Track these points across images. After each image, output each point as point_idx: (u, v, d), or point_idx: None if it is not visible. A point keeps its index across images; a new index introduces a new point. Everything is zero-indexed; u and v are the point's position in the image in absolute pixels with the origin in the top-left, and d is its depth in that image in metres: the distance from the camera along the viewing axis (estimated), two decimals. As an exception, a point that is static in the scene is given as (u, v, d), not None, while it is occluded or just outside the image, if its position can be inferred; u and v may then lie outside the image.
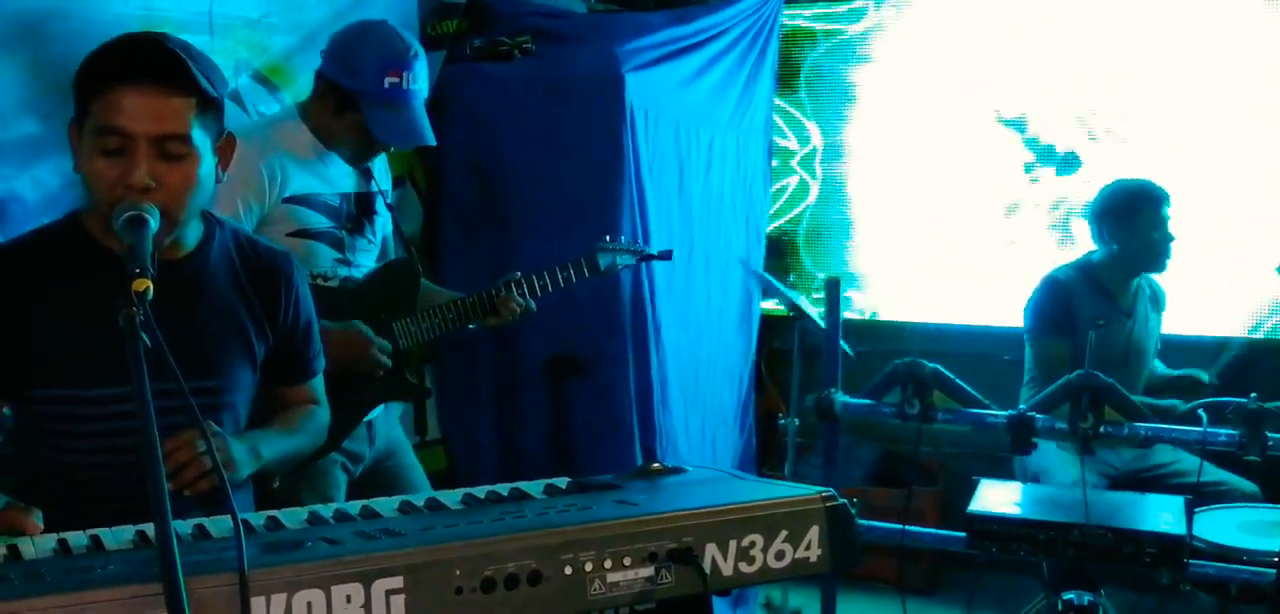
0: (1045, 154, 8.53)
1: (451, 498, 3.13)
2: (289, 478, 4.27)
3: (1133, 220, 6.63)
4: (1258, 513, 5.73)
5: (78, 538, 2.74)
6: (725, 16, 7.46)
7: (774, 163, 8.70)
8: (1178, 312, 7.26)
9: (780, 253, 9.01)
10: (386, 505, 3.06)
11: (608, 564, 2.63)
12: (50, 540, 2.74)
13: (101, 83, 3.14)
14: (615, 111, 6.33)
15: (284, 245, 3.95)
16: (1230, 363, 6.90)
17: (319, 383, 3.90)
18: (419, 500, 3.11)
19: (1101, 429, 5.26)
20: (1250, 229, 7.93)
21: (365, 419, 5.07)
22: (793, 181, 9.12)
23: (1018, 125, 8.57)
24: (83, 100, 3.20)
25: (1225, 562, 5.06)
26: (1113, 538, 4.95)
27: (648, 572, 2.67)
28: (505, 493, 3.18)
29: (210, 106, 3.27)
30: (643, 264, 6.13)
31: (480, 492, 3.17)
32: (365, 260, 5.08)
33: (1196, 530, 5.14)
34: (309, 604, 2.35)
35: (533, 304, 5.33)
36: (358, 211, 5.02)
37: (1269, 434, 5.06)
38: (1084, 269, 6.81)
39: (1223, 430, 5.19)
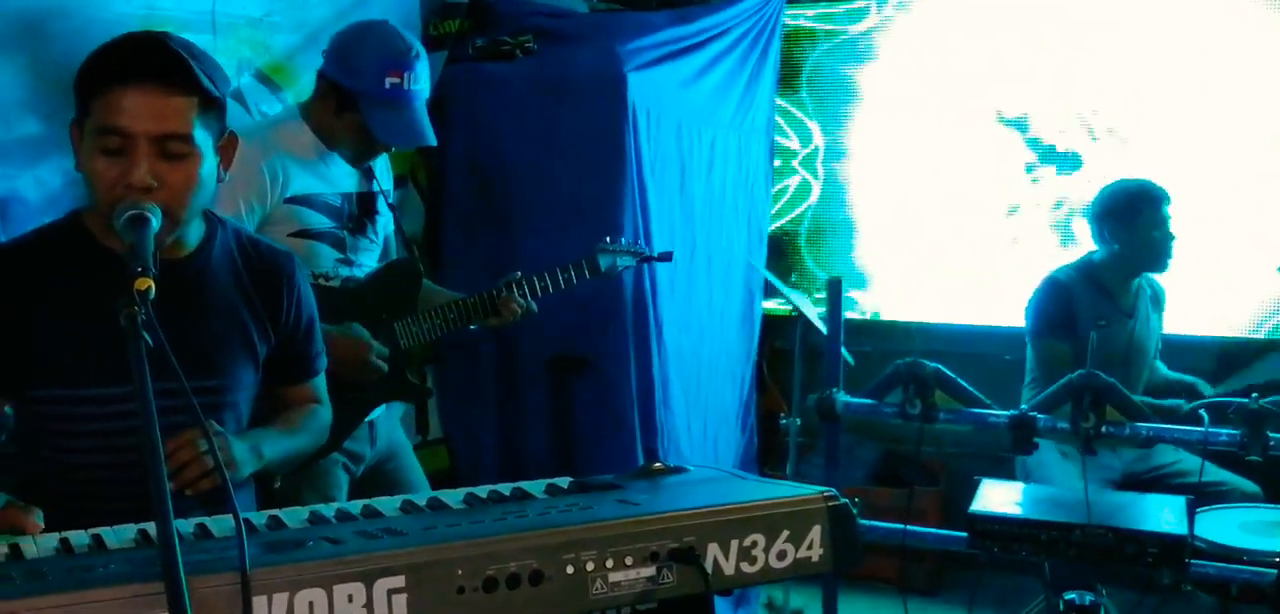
0: (1046, 154, 8.52)
1: (453, 497, 3.13)
2: (291, 477, 4.27)
3: (1133, 220, 6.63)
4: (1259, 513, 5.72)
5: (79, 537, 2.74)
6: (727, 16, 7.46)
7: (776, 162, 8.71)
8: (1178, 312, 7.25)
9: (782, 253, 9.01)
10: (388, 505, 3.06)
11: (609, 564, 2.63)
12: (52, 539, 2.74)
13: (103, 82, 3.14)
14: (617, 111, 6.34)
15: (286, 245, 3.95)
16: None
17: (321, 382, 3.90)
18: (421, 500, 3.11)
19: (1103, 429, 5.25)
20: (1251, 229, 7.93)
21: (367, 419, 5.07)
22: (794, 181, 9.12)
23: (1019, 125, 8.57)
24: (84, 100, 3.19)
25: (1227, 562, 5.06)
26: (1114, 538, 4.94)
27: (649, 571, 2.67)
28: (507, 493, 3.18)
29: (212, 106, 3.27)
30: (644, 264, 6.13)
31: (482, 491, 3.17)
32: (367, 260, 5.08)
33: (1198, 530, 5.14)
34: (311, 604, 2.35)
35: (533, 305, 5.34)
36: (359, 211, 5.02)
37: (1270, 434, 5.05)
38: (1085, 269, 6.80)
39: (1224, 430, 5.19)
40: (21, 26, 4.57)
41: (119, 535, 2.74)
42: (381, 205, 5.17)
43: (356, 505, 3.06)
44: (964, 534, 5.25)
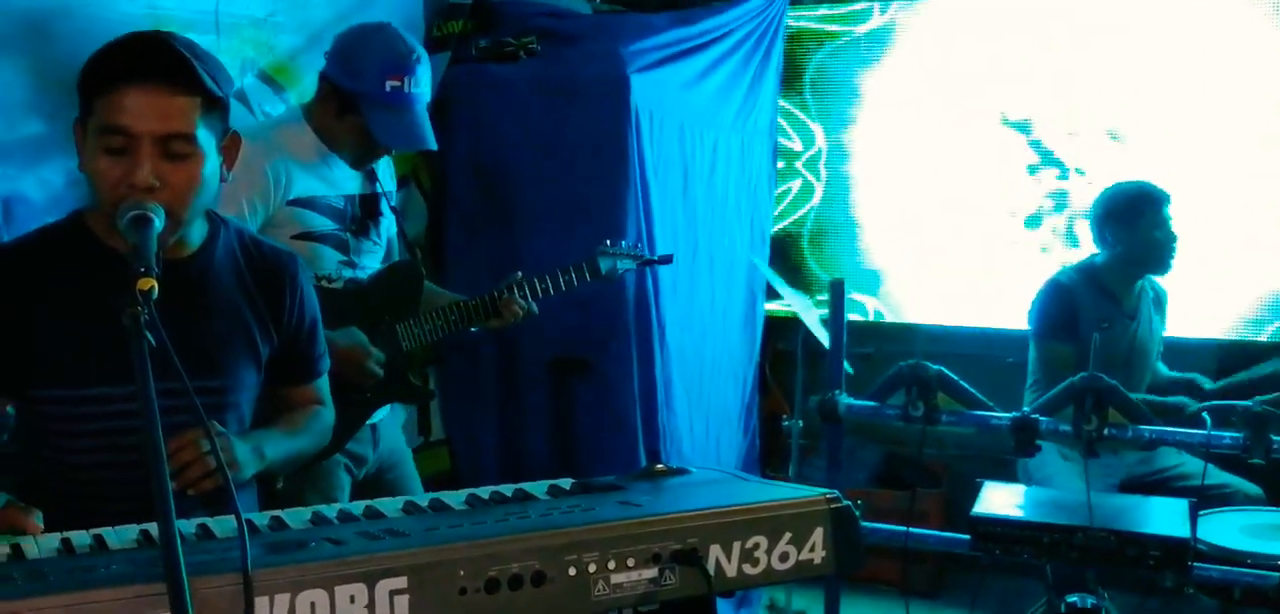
0: (1049, 156, 8.52)
1: (455, 498, 3.13)
2: (293, 479, 4.28)
3: (1135, 222, 6.63)
4: (1262, 516, 5.72)
5: (81, 537, 2.74)
6: (730, 18, 7.46)
7: (779, 164, 8.71)
8: (1180, 314, 7.25)
9: (784, 254, 9.01)
10: (391, 506, 3.07)
11: (612, 565, 2.63)
12: (53, 540, 2.74)
13: (106, 82, 3.14)
14: (620, 113, 6.33)
15: (289, 247, 3.95)
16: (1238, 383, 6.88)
17: (324, 383, 3.91)
18: (423, 501, 3.11)
19: (1105, 432, 5.25)
20: (1252, 231, 7.93)
21: (370, 422, 5.07)
22: (797, 183, 9.12)
23: (1022, 127, 8.57)
24: (87, 99, 3.20)
25: (1229, 565, 5.06)
26: (1116, 541, 4.94)
27: (651, 573, 2.67)
28: (509, 494, 3.19)
29: (215, 106, 3.27)
30: (645, 267, 6.13)
31: (484, 492, 3.17)
32: (370, 262, 5.08)
33: (1200, 533, 5.14)
34: (313, 604, 2.35)
35: (535, 306, 5.34)
36: (362, 213, 5.02)
37: (1273, 437, 5.05)
38: (1087, 272, 6.81)
39: (1227, 433, 5.18)
40: (25, 26, 4.57)
41: (121, 536, 2.74)
42: (384, 207, 5.17)
43: (359, 506, 3.06)
44: (966, 536, 5.25)
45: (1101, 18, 8.25)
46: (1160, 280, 6.94)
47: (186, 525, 2.75)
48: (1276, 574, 4.91)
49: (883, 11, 8.82)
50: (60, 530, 2.78)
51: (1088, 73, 8.30)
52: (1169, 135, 8.13)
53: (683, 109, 6.99)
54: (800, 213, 9.14)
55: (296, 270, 3.71)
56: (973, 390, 5.59)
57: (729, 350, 7.90)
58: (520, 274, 5.32)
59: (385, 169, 5.22)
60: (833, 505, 2.92)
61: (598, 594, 2.62)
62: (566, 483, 3.30)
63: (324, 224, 4.83)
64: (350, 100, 4.81)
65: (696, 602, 2.76)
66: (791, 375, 7.86)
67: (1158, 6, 8.18)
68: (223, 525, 2.79)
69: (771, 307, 8.41)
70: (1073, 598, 5.35)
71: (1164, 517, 5.13)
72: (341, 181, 4.92)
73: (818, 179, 9.08)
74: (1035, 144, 8.55)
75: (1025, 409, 5.54)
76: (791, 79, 8.90)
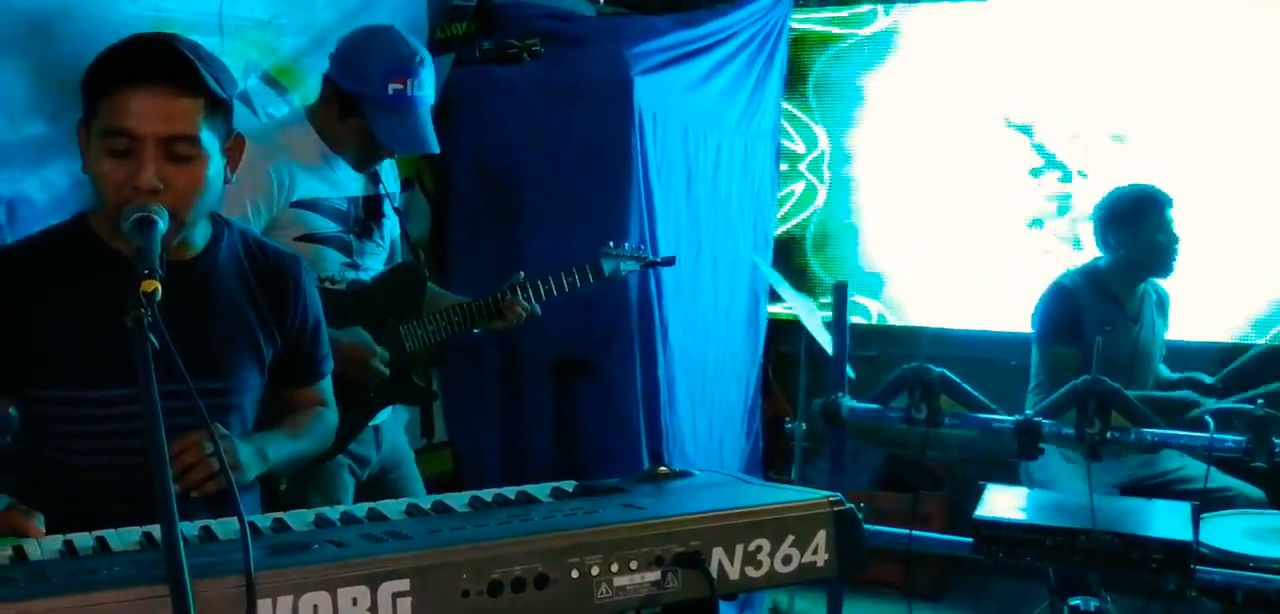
0: (1052, 159, 8.53)
1: (458, 501, 3.12)
2: (296, 480, 4.28)
3: (1138, 225, 6.64)
4: (1265, 519, 5.72)
5: (84, 539, 2.74)
6: (734, 20, 7.46)
7: (782, 166, 8.71)
8: (1182, 316, 7.25)
9: (788, 257, 9.01)
10: (393, 508, 3.07)
11: (614, 568, 2.63)
12: (56, 542, 2.74)
13: (110, 84, 3.15)
14: (624, 115, 6.34)
15: (292, 248, 3.95)
16: (1237, 368, 6.88)
17: (327, 385, 3.91)
18: (426, 503, 3.11)
19: (1108, 435, 5.25)
20: (1255, 234, 7.94)
21: (372, 423, 5.07)
22: (800, 186, 9.12)
23: (1025, 130, 8.57)
24: (91, 101, 3.20)
25: (1232, 568, 5.06)
26: (1119, 543, 4.94)
27: (654, 575, 2.67)
28: (512, 496, 3.18)
29: (219, 108, 3.27)
30: (649, 268, 6.13)
31: (487, 495, 3.17)
32: (373, 264, 5.09)
33: (1203, 537, 5.13)
34: (315, 607, 2.35)
35: (538, 308, 5.34)
36: (365, 215, 5.03)
37: (1275, 440, 5.05)
38: (1090, 275, 6.81)
39: (1229, 436, 5.19)
40: (28, 28, 4.57)
41: (123, 538, 2.74)
42: (387, 209, 5.17)
43: (361, 508, 3.06)
44: (969, 539, 5.25)
45: (1104, 20, 8.26)
46: (1163, 283, 6.94)
47: (189, 527, 2.75)
48: (1279, 577, 4.91)
49: (886, 14, 8.83)
50: (62, 532, 2.79)
51: (1090, 75, 8.31)
52: (1172, 138, 8.14)
53: (686, 111, 6.99)
54: (803, 215, 9.15)
55: (300, 272, 3.71)
56: (975, 393, 5.59)
57: (732, 352, 7.90)
58: (523, 275, 5.32)
59: (388, 171, 5.22)
60: (835, 508, 2.92)
61: (600, 597, 2.62)
62: (569, 485, 3.30)
63: (327, 226, 4.83)
64: (353, 102, 4.81)
65: (699, 604, 2.76)
66: (794, 378, 7.86)
67: (1160, 9, 8.18)
68: (225, 527, 2.79)
69: (774, 309, 8.41)
70: (1075, 601, 5.35)
71: (1166, 520, 5.13)
72: (345, 183, 4.92)
73: (821, 182, 9.09)
74: (1038, 147, 8.55)
75: (1028, 412, 5.54)
76: (795, 81, 8.90)
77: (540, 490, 3.24)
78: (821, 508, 2.92)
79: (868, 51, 8.91)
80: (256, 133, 4.42)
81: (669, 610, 2.76)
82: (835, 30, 8.97)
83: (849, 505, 2.94)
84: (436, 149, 5.06)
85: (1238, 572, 5.04)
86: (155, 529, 2.67)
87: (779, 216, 8.87)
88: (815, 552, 2.89)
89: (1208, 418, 5.37)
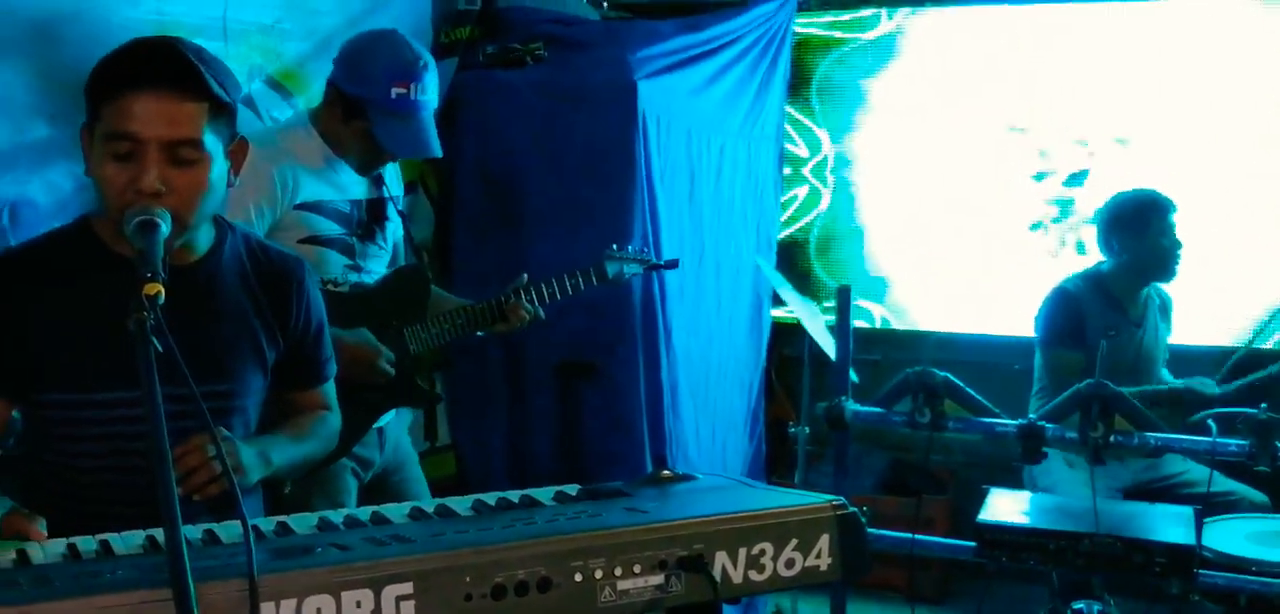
0: (1055, 163, 8.53)
1: (461, 504, 3.12)
2: (300, 483, 4.29)
3: (1141, 230, 6.64)
4: (1267, 523, 5.72)
5: (87, 543, 2.74)
6: (737, 24, 7.47)
7: (785, 170, 8.71)
8: (1186, 320, 7.25)
9: (791, 261, 9.00)
10: (397, 511, 3.06)
11: (618, 571, 2.63)
12: (59, 545, 2.74)
13: (114, 87, 3.15)
14: (627, 119, 6.33)
15: (296, 251, 3.95)
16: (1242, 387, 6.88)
17: (330, 388, 3.90)
18: (429, 507, 3.10)
19: (1112, 439, 5.25)
20: (1260, 237, 7.94)
21: (376, 425, 5.07)
22: (803, 190, 9.12)
23: (1028, 134, 8.57)
24: (95, 104, 3.20)
25: (1235, 572, 5.06)
26: (1122, 547, 4.94)
27: (658, 579, 2.67)
28: (515, 500, 3.18)
29: (223, 111, 3.27)
30: (652, 271, 6.13)
31: (490, 498, 3.17)
32: (376, 267, 5.09)
33: (1206, 541, 5.14)
34: (318, 610, 2.35)
35: (541, 311, 5.35)
36: (369, 218, 5.03)
37: (1279, 444, 5.05)
38: (1093, 279, 6.81)
39: (1233, 441, 5.19)
40: (32, 31, 4.57)
41: (126, 541, 2.74)
42: (391, 212, 5.18)
43: (365, 512, 3.06)
44: (972, 543, 5.26)
45: (1107, 24, 8.26)
46: (1166, 287, 6.94)
47: (192, 531, 2.75)
48: (1282, 581, 4.92)
49: (889, 18, 8.83)
50: (64, 535, 2.78)
51: (1094, 79, 8.31)
52: (1175, 142, 8.15)
53: (690, 115, 7.00)
54: (807, 219, 9.15)
55: (303, 275, 3.71)
56: (979, 397, 5.59)
57: (735, 356, 7.90)
58: (527, 278, 5.32)
59: (392, 174, 5.22)
60: (839, 512, 2.92)
61: (604, 600, 2.61)
62: (572, 489, 3.29)
63: (330, 228, 4.83)
64: (357, 106, 4.81)
65: (703, 608, 2.76)
66: (798, 381, 7.85)
67: (1164, 13, 8.19)
68: (228, 531, 2.79)
69: (778, 313, 8.41)
70: (1079, 605, 5.35)
71: (1170, 524, 5.13)
72: (348, 186, 4.93)
73: (824, 185, 9.09)
74: (1042, 151, 8.55)
75: (1031, 416, 5.54)
76: (798, 85, 8.90)
77: (544, 494, 3.24)
78: (825, 512, 2.91)
79: (871, 56, 8.92)
80: (260, 136, 4.42)
81: (672, 613, 2.76)
82: (838, 34, 8.98)
83: (852, 509, 2.94)
84: (439, 153, 5.07)
85: (1241, 576, 5.05)
86: (158, 532, 2.67)
87: (782, 220, 8.87)
88: (818, 555, 2.88)
89: (1210, 422, 5.37)
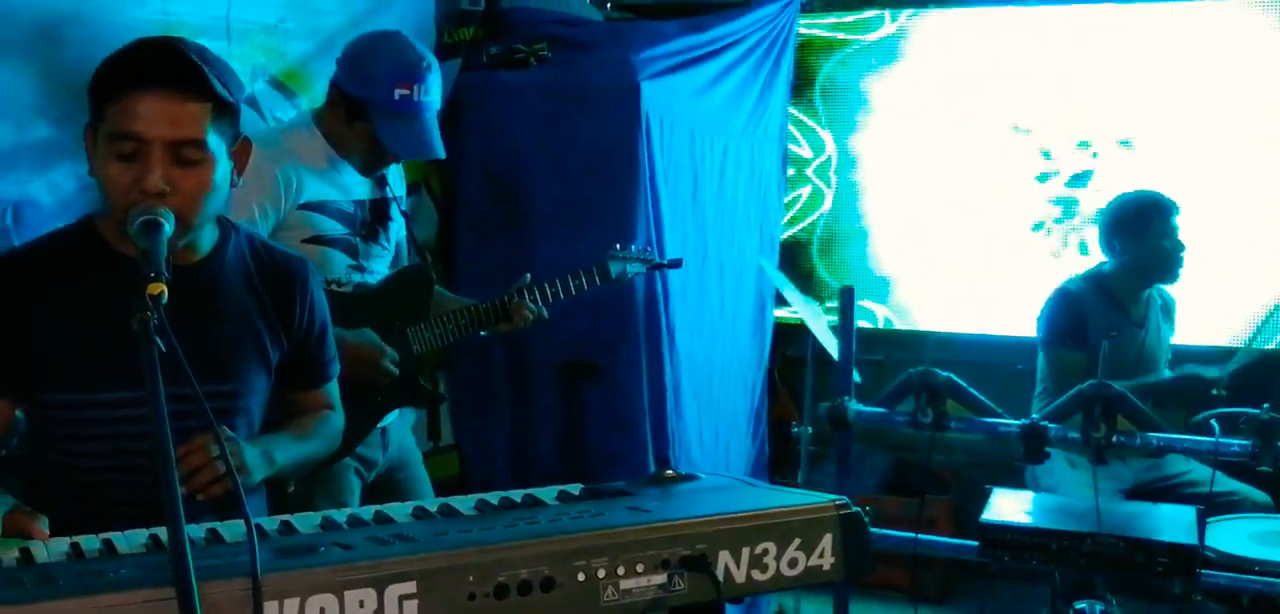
0: (1058, 163, 8.53)
1: (465, 504, 3.12)
2: (304, 483, 4.28)
3: (1143, 232, 6.64)
4: (1270, 523, 5.72)
5: (90, 541, 2.74)
6: (741, 25, 7.47)
7: (789, 171, 8.71)
8: (1187, 320, 7.25)
9: (794, 261, 9.00)
10: (400, 511, 3.06)
11: (621, 571, 2.63)
12: (62, 544, 2.74)
13: (117, 87, 3.15)
14: (631, 119, 6.34)
15: (299, 251, 3.95)
16: (1241, 369, 6.88)
17: (333, 388, 3.90)
18: (432, 506, 3.10)
19: (1114, 439, 5.25)
20: (1263, 238, 7.94)
21: (380, 425, 5.08)
22: (806, 190, 9.12)
23: (1031, 135, 8.57)
24: (98, 105, 3.20)
25: (1237, 572, 5.06)
26: (1125, 547, 4.94)
27: (660, 578, 2.67)
28: (518, 499, 3.18)
29: (226, 111, 3.27)
30: (656, 271, 6.13)
31: (494, 498, 3.17)
32: (379, 267, 5.09)
33: (1209, 541, 5.14)
34: (322, 609, 2.35)
35: (544, 310, 5.35)
36: (372, 218, 5.03)
37: (1282, 444, 5.06)
38: (1096, 280, 6.82)
39: (1235, 441, 5.19)
40: (35, 31, 4.58)
41: (130, 540, 2.74)
42: (394, 212, 5.18)
43: (368, 511, 3.06)
44: (975, 543, 5.25)
45: (1111, 25, 8.26)
46: (1169, 288, 6.95)
47: (195, 530, 2.75)
48: (1285, 582, 4.92)
49: (892, 20, 8.83)
50: (66, 534, 2.78)
51: (1097, 80, 8.31)
52: (1178, 143, 8.15)
53: (693, 115, 7.00)
54: (810, 220, 9.15)
55: (307, 275, 3.71)
56: (982, 397, 5.60)
57: (738, 356, 7.90)
58: (530, 278, 5.32)
59: (395, 175, 5.22)
60: (842, 512, 2.92)
61: (607, 600, 2.61)
62: (575, 488, 3.29)
63: (334, 229, 4.84)
64: (360, 107, 4.81)
65: (705, 607, 2.76)
66: (801, 381, 7.85)
67: (1167, 14, 8.19)
68: (232, 530, 2.79)
69: (781, 313, 8.41)
70: (1081, 605, 5.34)
71: (1172, 524, 5.13)
72: (351, 187, 4.93)
73: (827, 186, 9.09)
74: (1045, 151, 8.55)
75: (1034, 416, 5.54)
76: (801, 86, 8.90)
77: (546, 493, 3.24)
78: (827, 511, 2.92)
79: (874, 57, 8.92)
80: (263, 136, 4.42)
81: (675, 613, 2.76)
82: (842, 36, 8.98)
83: (855, 509, 2.94)
84: (442, 155, 5.06)
85: (1243, 576, 5.05)
86: (161, 531, 2.67)
87: (785, 221, 8.87)
88: (821, 555, 2.89)
89: (1213, 422, 5.37)
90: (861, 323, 7.93)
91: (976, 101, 8.62)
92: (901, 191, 8.93)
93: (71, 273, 3.35)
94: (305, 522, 2.92)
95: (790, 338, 8.64)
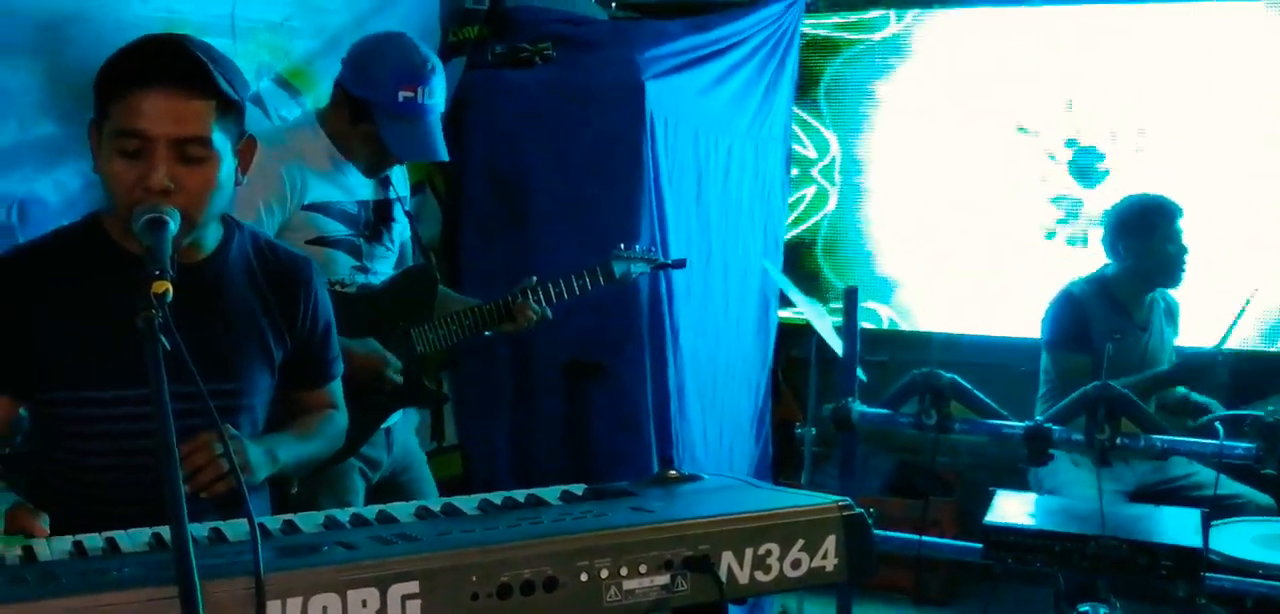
0: (1063, 165, 8.53)
1: (468, 504, 3.12)
2: (308, 483, 4.28)
3: (1147, 236, 6.65)
4: (1274, 526, 5.72)
5: (93, 540, 2.74)
6: (745, 25, 7.46)
7: (793, 171, 8.71)
8: (1192, 323, 7.24)
9: (798, 261, 9.00)
10: (403, 510, 3.06)
11: (624, 571, 2.63)
12: (66, 542, 2.74)
13: (122, 85, 3.14)
14: (635, 119, 6.33)
15: (304, 251, 3.96)
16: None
17: (337, 387, 3.90)
18: (436, 506, 3.10)
19: (1118, 441, 5.25)
20: (1267, 241, 7.93)
21: (383, 426, 5.08)
22: (811, 190, 9.12)
23: (1037, 136, 8.57)
24: (103, 102, 3.20)
25: (1241, 575, 5.06)
26: (1128, 550, 4.94)
27: (663, 579, 2.67)
28: (522, 499, 3.18)
29: (231, 109, 3.27)
30: (660, 271, 6.13)
31: (497, 498, 3.17)
32: (383, 267, 5.09)
33: (1213, 543, 5.14)
34: (324, 608, 2.35)
35: (548, 311, 5.34)
36: (376, 219, 5.03)
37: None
38: (1099, 283, 6.82)
39: (1239, 443, 5.19)
40: (40, 29, 4.57)
41: (133, 539, 2.74)
42: (398, 212, 5.18)
43: (371, 511, 3.06)
44: (979, 545, 5.26)
45: (1117, 26, 8.26)
46: (1172, 291, 6.95)
47: (199, 529, 2.75)
48: (1289, 585, 4.92)
49: (898, 20, 8.84)
50: (68, 533, 2.79)
51: (1102, 82, 8.31)
52: (1184, 145, 8.15)
53: (697, 115, 6.99)
54: (814, 220, 9.15)
55: (311, 275, 3.70)
56: (986, 399, 5.60)
57: (742, 356, 7.90)
58: (535, 278, 5.32)
59: (399, 175, 5.22)
60: (845, 513, 2.92)
61: (610, 600, 2.61)
62: (579, 489, 3.29)
63: (338, 229, 4.84)
64: (364, 108, 4.81)
65: (708, 608, 2.76)
66: (805, 382, 7.85)
67: (1174, 16, 8.19)
68: (235, 529, 2.79)
69: (785, 313, 8.41)
70: (1085, 607, 5.34)
71: (1176, 526, 5.13)
72: (355, 187, 4.93)
73: (832, 186, 9.09)
74: (1050, 153, 8.55)
75: (1038, 418, 5.54)
76: (806, 86, 8.90)
77: (550, 493, 3.24)
78: (831, 513, 2.91)
79: (879, 57, 8.92)
80: (269, 135, 4.43)
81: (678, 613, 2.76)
82: (847, 36, 8.98)
83: (859, 510, 2.94)
84: (446, 157, 5.06)
85: (1247, 578, 5.05)
86: (165, 530, 2.67)
87: (790, 221, 8.86)
88: (825, 556, 2.88)
89: (1217, 424, 5.36)
90: (865, 324, 7.93)
91: (981, 102, 8.63)
92: (906, 192, 8.93)
93: (76, 271, 3.35)
94: (308, 521, 2.92)
95: (794, 338, 8.63)
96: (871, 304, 8.91)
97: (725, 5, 7.81)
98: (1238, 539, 5.38)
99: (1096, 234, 7.57)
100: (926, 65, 8.78)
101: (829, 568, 2.90)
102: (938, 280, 8.88)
